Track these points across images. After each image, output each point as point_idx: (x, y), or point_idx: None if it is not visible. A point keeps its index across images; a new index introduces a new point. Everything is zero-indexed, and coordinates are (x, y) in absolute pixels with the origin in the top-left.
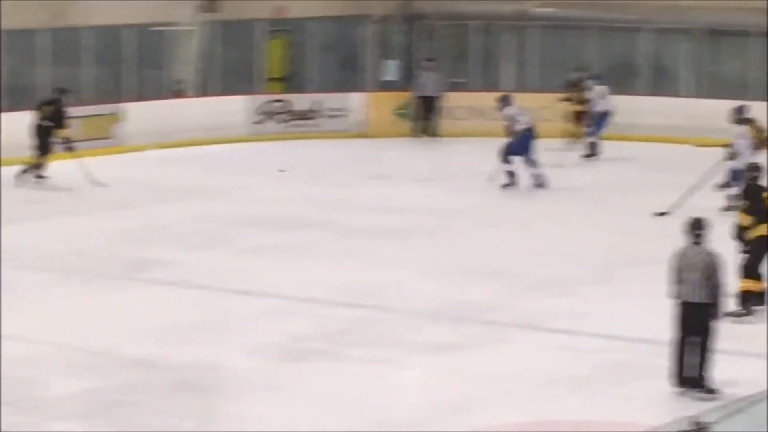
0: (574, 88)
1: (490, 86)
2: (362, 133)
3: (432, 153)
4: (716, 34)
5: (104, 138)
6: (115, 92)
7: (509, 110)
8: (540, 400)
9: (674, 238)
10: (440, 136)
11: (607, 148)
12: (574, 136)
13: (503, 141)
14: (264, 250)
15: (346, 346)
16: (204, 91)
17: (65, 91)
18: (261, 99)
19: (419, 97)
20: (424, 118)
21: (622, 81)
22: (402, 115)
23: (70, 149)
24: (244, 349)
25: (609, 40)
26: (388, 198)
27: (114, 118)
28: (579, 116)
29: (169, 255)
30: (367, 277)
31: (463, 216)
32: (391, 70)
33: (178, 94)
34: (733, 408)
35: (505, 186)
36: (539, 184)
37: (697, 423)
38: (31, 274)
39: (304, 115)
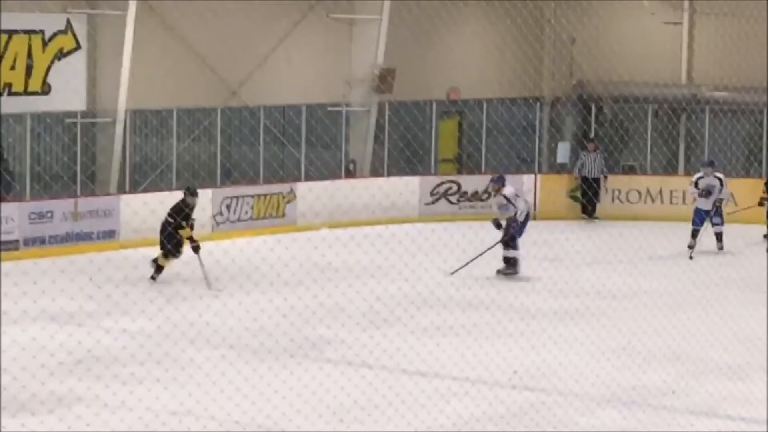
0: None
1: (660, 170)
2: (534, 214)
3: (601, 235)
4: None
5: (277, 217)
6: (289, 171)
7: (507, 191)
8: None
9: None
10: (598, 218)
11: None
12: None
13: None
14: (436, 330)
15: (518, 428)
16: (377, 171)
17: (190, 189)
18: (433, 180)
19: (582, 179)
20: (587, 199)
21: None
22: (574, 198)
23: (195, 249)
24: (416, 430)
25: None
26: (559, 279)
27: (288, 197)
28: None
29: (342, 334)
30: (539, 359)
31: (636, 298)
32: (563, 153)
33: (352, 173)
34: None
35: (506, 273)
36: None
37: None
38: (206, 351)
39: (476, 197)
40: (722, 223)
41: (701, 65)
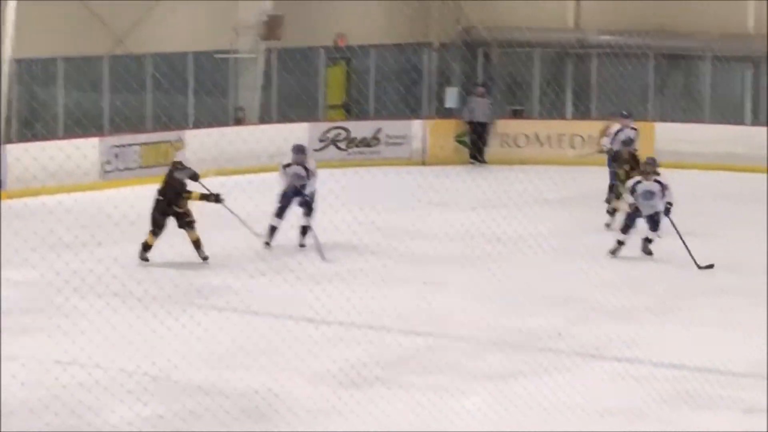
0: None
1: (549, 114)
2: (422, 160)
3: (489, 179)
4: None
5: (165, 165)
6: (176, 119)
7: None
8: (600, 430)
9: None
10: (487, 162)
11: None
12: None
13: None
14: (323, 276)
15: (406, 373)
16: (265, 118)
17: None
18: (321, 126)
19: (469, 123)
20: (475, 144)
21: (683, 109)
22: (462, 143)
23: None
24: (303, 375)
25: (671, 68)
26: (447, 225)
27: (175, 145)
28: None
29: (229, 280)
30: (428, 303)
31: (524, 243)
32: (452, 98)
33: (240, 121)
34: None
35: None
36: None
37: None
38: (90, 299)
39: (365, 143)
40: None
41: (588, 10)
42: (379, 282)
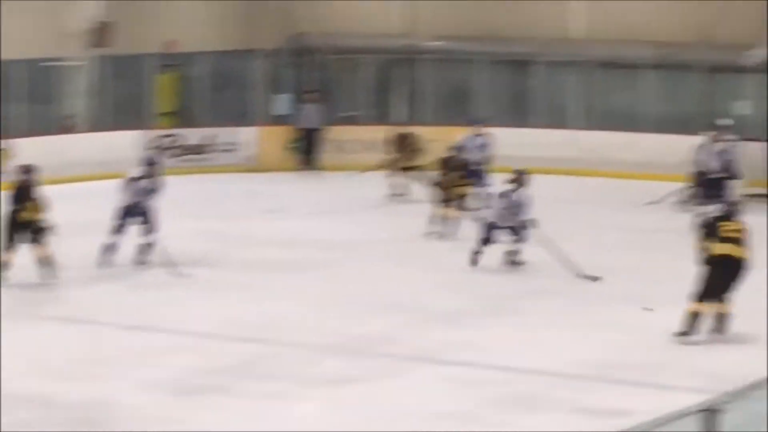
0: None
1: (380, 120)
2: (253, 167)
3: (322, 186)
4: (606, 66)
5: None
6: (4, 128)
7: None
8: None
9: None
10: (320, 169)
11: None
12: None
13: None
14: (157, 285)
15: (240, 380)
16: (95, 126)
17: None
18: (151, 134)
19: (301, 130)
20: (306, 150)
21: (514, 114)
22: (293, 149)
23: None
24: (138, 385)
25: (501, 74)
26: (280, 232)
27: (4, 153)
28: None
29: (61, 290)
30: (262, 311)
31: (356, 249)
32: (282, 104)
33: (68, 129)
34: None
35: None
36: None
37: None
38: None
39: (195, 150)
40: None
41: (419, 16)
42: (213, 289)
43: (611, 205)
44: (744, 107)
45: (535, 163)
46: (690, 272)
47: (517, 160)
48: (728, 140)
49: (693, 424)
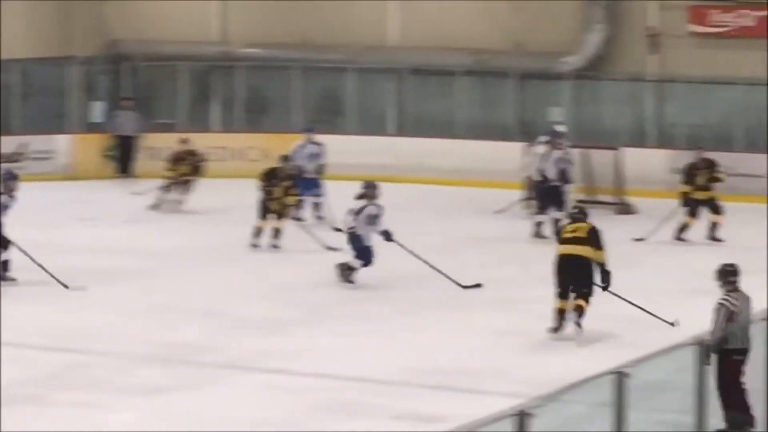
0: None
1: (197, 127)
2: (69, 175)
3: (137, 193)
4: (421, 73)
5: None
6: None
7: None
8: None
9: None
10: (136, 176)
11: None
12: None
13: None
14: None
15: (55, 390)
16: None
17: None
18: None
19: (117, 137)
20: (122, 158)
21: (331, 120)
22: (109, 157)
23: None
24: None
25: (316, 81)
26: (95, 240)
27: None
28: None
29: None
30: (77, 320)
31: (172, 257)
32: (98, 112)
33: None
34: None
35: None
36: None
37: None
38: None
39: (10, 158)
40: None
41: (233, 23)
42: (25, 298)
43: (436, 210)
44: (558, 114)
45: (351, 170)
46: (506, 277)
47: (332, 167)
48: (564, 147)
49: (505, 427)
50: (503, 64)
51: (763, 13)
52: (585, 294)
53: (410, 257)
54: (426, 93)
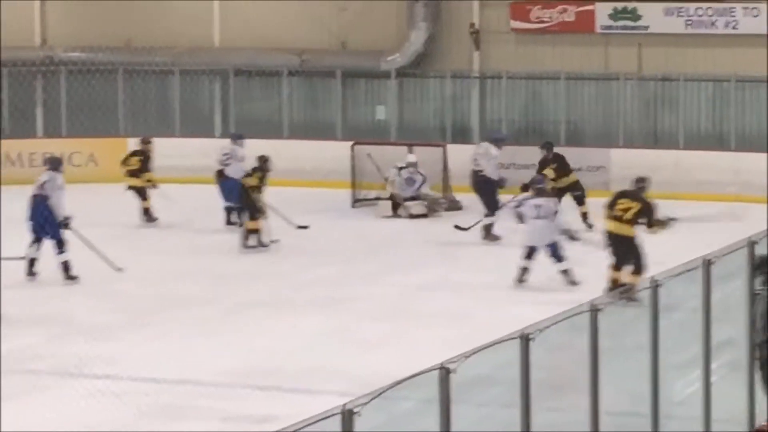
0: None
1: (20, 133)
2: None
3: None
4: (245, 74)
5: None
6: None
7: None
8: None
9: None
10: None
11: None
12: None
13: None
14: None
15: None
16: None
17: None
18: None
19: None
20: None
21: (157, 123)
22: None
23: None
24: None
25: (141, 83)
26: None
27: None
28: None
29: None
30: None
31: None
32: None
33: None
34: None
35: None
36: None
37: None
38: None
39: None
40: None
41: (54, 27)
42: None
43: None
44: (382, 112)
45: (177, 172)
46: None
47: (162, 169)
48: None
49: (333, 426)
50: (328, 63)
51: (584, 8)
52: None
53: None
54: (251, 94)
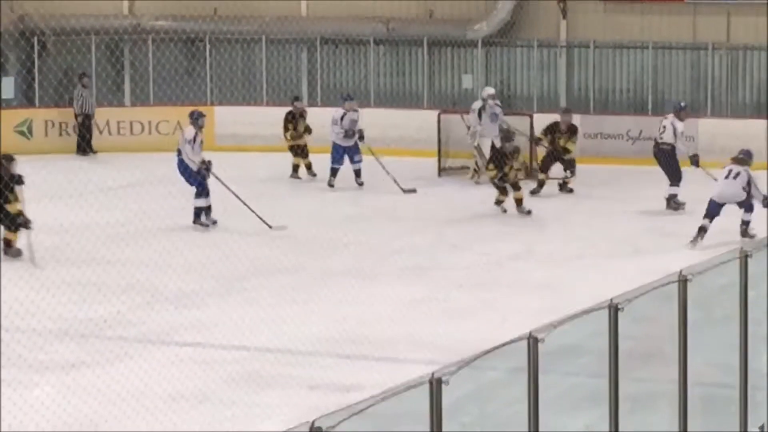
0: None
1: (108, 101)
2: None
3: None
4: (332, 43)
5: None
6: None
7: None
8: (167, 415)
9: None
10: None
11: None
12: None
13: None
14: None
15: None
16: None
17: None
18: None
19: (79, 116)
20: (84, 136)
21: (244, 92)
22: (22, 133)
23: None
24: None
25: (227, 52)
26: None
27: None
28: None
29: None
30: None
31: (87, 232)
32: (8, 88)
33: None
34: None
35: None
36: None
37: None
38: None
39: None
40: (361, 160)
41: None
42: None
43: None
44: (468, 81)
45: (262, 141)
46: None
47: (245, 137)
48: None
49: (420, 395)
50: (415, 32)
51: None
52: None
53: (322, 227)
54: (338, 63)
